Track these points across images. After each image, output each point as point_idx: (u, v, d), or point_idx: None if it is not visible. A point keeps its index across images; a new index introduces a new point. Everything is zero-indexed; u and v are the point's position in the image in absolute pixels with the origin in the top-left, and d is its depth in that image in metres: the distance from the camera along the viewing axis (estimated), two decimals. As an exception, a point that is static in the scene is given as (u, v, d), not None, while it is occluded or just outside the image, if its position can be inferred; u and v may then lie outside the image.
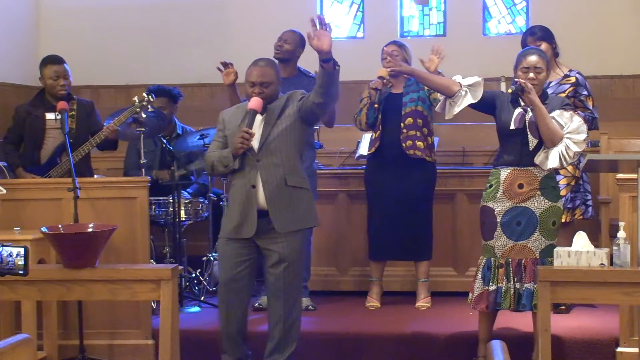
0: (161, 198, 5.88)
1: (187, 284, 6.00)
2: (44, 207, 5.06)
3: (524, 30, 6.40)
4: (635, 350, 4.58)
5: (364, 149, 6.09)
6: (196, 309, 5.65)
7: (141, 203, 5.08)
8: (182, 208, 5.91)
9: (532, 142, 4.45)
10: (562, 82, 5.38)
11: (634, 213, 4.52)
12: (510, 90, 4.51)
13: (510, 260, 4.48)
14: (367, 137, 5.94)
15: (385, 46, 5.58)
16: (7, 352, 2.82)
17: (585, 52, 7.79)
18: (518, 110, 4.50)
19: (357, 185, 5.93)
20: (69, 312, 5.08)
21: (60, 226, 4.43)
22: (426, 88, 5.38)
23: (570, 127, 4.42)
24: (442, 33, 8.72)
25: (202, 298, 5.85)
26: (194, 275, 6.10)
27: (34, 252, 4.49)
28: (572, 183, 5.37)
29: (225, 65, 5.27)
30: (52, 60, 5.57)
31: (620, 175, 4.72)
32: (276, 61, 5.50)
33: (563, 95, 5.19)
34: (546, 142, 4.42)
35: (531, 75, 4.46)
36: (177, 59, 8.58)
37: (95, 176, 5.87)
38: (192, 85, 8.44)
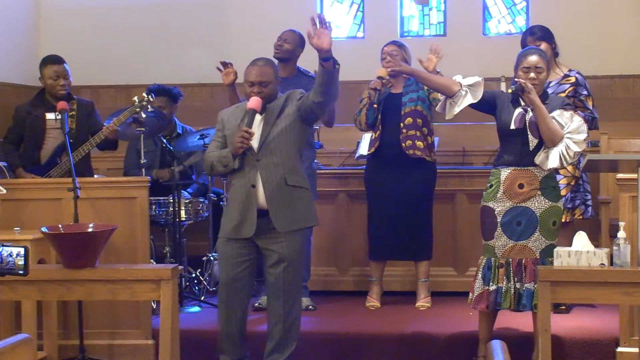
0: (161, 198, 5.88)
1: (187, 284, 6.00)
2: (44, 207, 5.06)
3: (524, 30, 6.39)
4: (635, 350, 4.58)
5: (364, 149, 6.10)
6: (196, 309, 5.65)
7: (141, 203, 5.08)
8: (182, 208, 5.91)
9: (533, 142, 4.45)
10: (561, 82, 5.39)
11: (634, 213, 4.52)
12: (510, 90, 4.51)
13: (511, 260, 4.48)
14: (367, 137, 5.94)
15: (385, 46, 5.59)
16: (7, 352, 2.82)
17: (585, 52, 7.79)
18: (518, 110, 4.50)
19: (357, 185, 5.93)
20: (69, 312, 5.08)
21: (60, 226, 4.43)
22: (425, 88, 5.39)
23: (571, 127, 4.42)
24: (442, 33, 8.71)
25: (202, 298, 5.85)
26: (194, 275, 6.10)
27: (34, 252, 4.49)
28: (572, 183, 5.38)
29: (225, 65, 5.27)
30: (52, 60, 5.57)
31: (620, 175, 4.72)
32: (276, 61, 5.51)
33: (563, 95, 5.19)
34: (546, 142, 4.42)
35: (532, 75, 4.46)
36: (177, 59, 8.57)
37: (95, 176, 5.87)
38: (192, 85, 8.44)
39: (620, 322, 4.73)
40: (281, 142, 4.39)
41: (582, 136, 4.41)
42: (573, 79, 5.40)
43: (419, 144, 5.47)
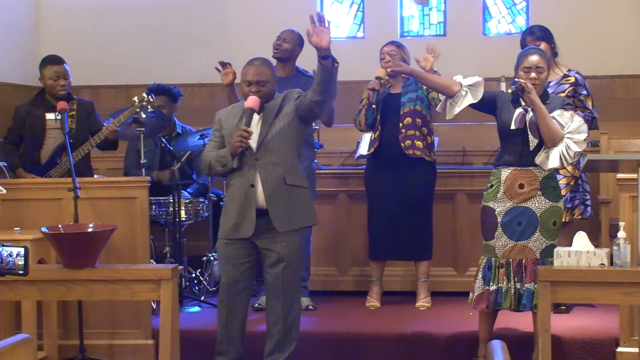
0: (161, 198, 5.88)
1: (187, 284, 6.00)
2: (44, 207, 5.06)
3: (524, 30, 6.39)
4: (635, 350, 4.58)
5: (363, 149, 6.10)
6: (196, 309, 5.65)
7: (141, 203, 5.08)
8: (182, 208, 5.91)
9: (533, 142, 4.45)
10: (561, 81, 5.39)
11: (634, 213, 4.52)
12: (510, 91, 4.50)
13: (511, 260, 4.48)
14: (367, 137, 5.94)
15: (384, 46, 5.59)
16: (7, 352, 2.82)
17: (585, 52, 7.79)
18: (519, 110, 4.50)
19: (357, 185, 5.93)
20: (69, 312, 5.08)
21: (60, 226, 4.43)
22: (424, 87, 5.39)
23: (571, 127, 4.42)
24: (442, 33, 8.71)
25: (202, 298, 5.85)
26: (194, 275, 6.10)
27: (34, 252, 4.49)
28: (572, 183, 5.38)
29: (224, 65, 5.27)
30: (52, 60, 5.57)
31: (620, 175, 4.72)
32: (274, 61, 5.51)
33: (563, 95, 5.20)
34: (547, 142, 4.42)
35: (533, 75, 4.46)
36: (177, 59, 8.57)
37: (95, 176, 5.87)
38: (192, 85, 8.44)
39: (620, 322, 4.73)
40: (280, 142, 4.39)
41: (583, 136, 4.41)
42: (572, 79, 5.40)
43: (419, 143, 5.47)
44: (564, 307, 5.32)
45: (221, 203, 6.11)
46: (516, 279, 4.47)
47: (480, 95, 4.55)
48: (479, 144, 7.27)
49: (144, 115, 5.53)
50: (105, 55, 8.67)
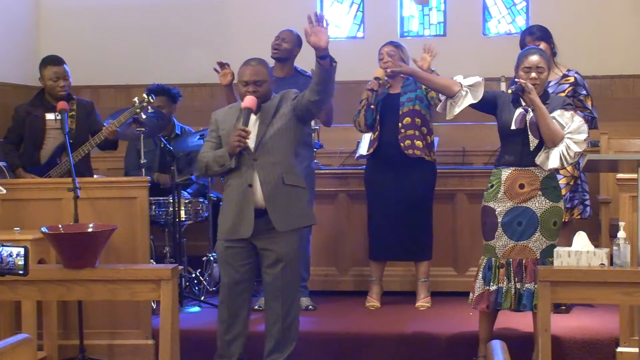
0: (161, 198, 5.88)
1: (187, 284, 6.00)
2: (44, 207, 5.06)
3: (523, 30, 6.39)
4: (635, 350, 4.58)
5: (363, 149, 6.10)
6: (196, 309, 5.65)
7: (141, 203, 5.08)
8: (182, 208, 5.91)
9: (533, 142, 4.45)
10: (561, 81, 5.39)
11: (634, 213, 4.52)
12: (510, 91, 4.50)
13: (511, 260, 4.48)
14: (367, 137, 5.94)
15: (382, 47, 5.59)
16: (7, 352, 2.82)
17: (585, 52, 7.79)
18: (519, 111, 4.50)
19: (357, 185, 5.93)
20: (69, 312, 5.08)
21: (60, 226, 4.43)
22: (423, 87, 5.39)
23: (571, 127, 4.41)
24: (442, 33, 8.71)
25: (202, 298, 5.85)
26: (194, 275, 6.10)
27: (34, 252, 4.49)
28: (571, 183, 5.38)
29: (222, 65, 5.26)
30: (52, 61, 5.56)
31: (620, 175, 4.72)
32: (273, 61, 5.51)
33: (562, 94, 5.20)
34: (547, 142, 4.42)
35: (533, 75, 4.46)
36: (177, 59, 8.57)
37: (95, 176, 5.87)
38: (192, 85, 8.45)
39: (620, 322, 4.73)
40: (278, 142, 4.39)
41: (583, 136, 4.41)
42: (572, 79, 5.40)
43: (418, 143, 5.46)
44: (564, 307, 5.32)
45: (221, 203, 6.11)
46: (516, 279, 4.47)
47: (480, 95, 4.55)
48: (479, 144, 7.27)
49: (144, 116, 5.53)
50: (105, 55, 8.67)
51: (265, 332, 4.49)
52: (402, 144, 5.45)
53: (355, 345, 5.00)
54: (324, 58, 4.21)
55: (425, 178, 5.55)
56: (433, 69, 5.21)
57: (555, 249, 4.22)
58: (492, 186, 4.56)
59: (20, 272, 3.33)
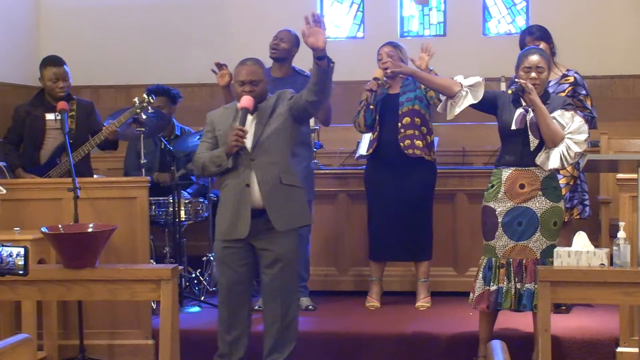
0: (161, 198, 5.88)
1: (187, 284, 6.00)
2: (44, 207, 5.06)
3: (523, 30, 6.40)
4: (635, 350, 4.58)
5: (363, 149, 6.10)
6: (196, 309, 5.65)
7: (141, 203, 5.08)
8: (182, 208, 5.91)
9: (534, 142, 4.45)
10: (560, 81, 5.39)
11: (634, 213, 4.52)
12: (511, 91, 4.50)
13: (511, 260, 4.48)
14: (366, 137, 5.94)
15: (381, 47, 5.59)
16: (7, 352, 2.82)
17: (585, 52, 7.79)
18: (519, 111, 4.49)
19: (357, 185, 5.93)
20: (69, 312, 5.08)
21: (60, 226, 4.43)
22: (423, 87, 5.39)
23: (571, 127, 4.41)
24: (442, 33, 8.71)
25: (202, 298, 5.85)
26: (194, 275, 6.10)
27: (34, 252, 4.49)
28: (571, 183, 5.38)
29: (220, 66, 5.25)
30: (52, 62, 5.56)
31: (620, 175, 4.72)
32: (270, 61, 5.51)
33: (562, 94, 5.20)
34: (547, 142, 4.42)
35: (533, 75, 4.46)
36: (177, 59, 8.57)
37: (95, 176, 5.87)
38: (192, 85, 8.45)
39: (620, 322, 4.73)
40: (275, 142, 4.39)
41: (583, 136, 4.41)
42: (572, 79, 5.40)
43: (418, 143, 5.46)
44: (564, 307, 5.32)
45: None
46: (516, 279, 4.47)
47: (480, 95, 4.55)
48: (479, 144, 7.27)
49: (144, 116, 5.53)
50: (105, 55, 8.67)
51: (264, 332, 4.49)
52: (401, 144, 5.45)
53: (355, 345, 5.00)
54: (322, 59, 4.22)
55: (425, 178, 5.55)
56: (431, 68, 5.22)
57: (555, 249, 4.22)
58: (492, 186, 4.56)
59: (20, 272, 3.33)
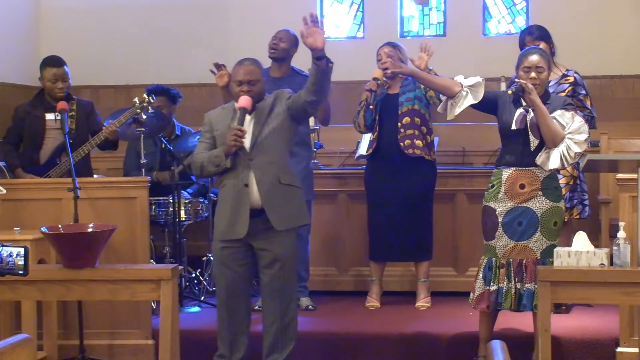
0: (161, 198, 5.87)
1: (187, 284, 6.00)
2: (44, 207, 5.06)
3: (522, 30, 6.40)
4: (635, 350, 4.58)
5: (363, 149, 6.10)
6: (196, 309, 5.65)
7: (141, 203, 5.08)
8: (182, 208, 5.91)
9: (534, 142, 4.45)
10: (560, 81, 5.39)
11: (634, 213, 4.52)
12: (511, 92, 4.49)
13: (512, 260, 4.48)
14: (366, 137, 5.94)
15: (380, 47, 5.59)
16: (7, 352, 2.81)
17: (585, 52, 7.79)
18: (519, 111, 4.49)
19: (357, 185, 5.93)
20: (69, 312, 5.08)
21: (60, 226, 4.43)
22: (422, 86, 5.39)
23: (572, 127, 4.41)
24: (442, 33, 8.71)
25: (202, 298, 5.85)
26: (194, 275, 6.10)
27: (34, 252, 4.49)
28: (571, 183, 5.38)
29: (218, 67, 5.25)
30: (52, 62, 5.56)
31: (620, 175, 4.72)
32: (269, 61, 5.51)
33: (562, 94, 5.20)
34: (547, 142, 4.42)
35: (533, 75, 4.46)
36: (177, 59, 8.58)
37: (95, 176, 5.87)
38: (192, 85, 8.44)
39: (620, 322, 4.73)
40: (273, 141, 4.39)
41: (583, 136, 4.41)
42: (572, 79, 5.40)
43: (418, 142, 5.46)
44: (564, 308, 5.32)
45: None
46: (517, 279, 4.47)
47: (481, 95, 4.55)
48: (479, 144, 7.27)
49: (144, 116, 5.53)
50: (105, 55, 8.67)
51: (263, 332, 4.49)
52: (401, 144, 5.45)
53: (355, 345, 5.00)
54: (321, 59, 4.22)
55: (425, 178, 5.55)
56: (430, 67, 5.22)
57: (555, 249, 4.22)
58: (492, 186, 4.56)
59: (20, 272, 3.33)
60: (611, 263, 4.14)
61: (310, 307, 5.58)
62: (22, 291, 4.25)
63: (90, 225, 4.40)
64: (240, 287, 4.44)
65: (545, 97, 4.50)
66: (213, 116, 4.55)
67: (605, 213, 5.95)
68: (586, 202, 5.49)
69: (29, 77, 7.17)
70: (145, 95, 5.46)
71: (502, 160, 4.57)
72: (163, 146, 6.03)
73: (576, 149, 4.39)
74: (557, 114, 4.44)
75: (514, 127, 4.48)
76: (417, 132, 5.47)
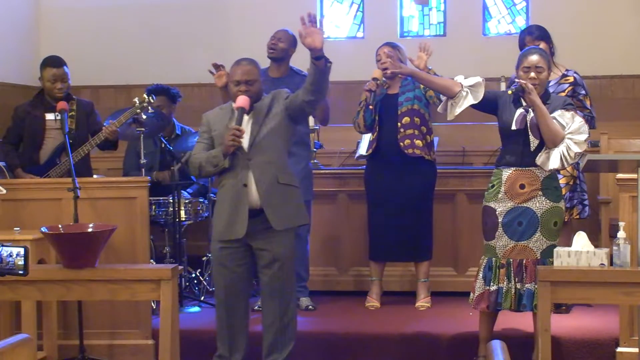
0: (161, 198, 5.87)
1: (187, 284, 6.00)
2: (44, 207, 5.06)
3: (522, 30, 6.40)
4: (635, 350, 4.58)
5: (363, 149, 6.10)
6: (196, 309, 5.65)
7: (141, 203, 5.08)
8: (182, 208, 5.91)
9: (534, 142, 4.45)
10: (560, 81, 5.39)
11: (634, 213, 4.52)
12: (510, 92, 4.50)
13: (512, 260, 4.48)
14: (366, 138, 5.94)
15: (379, 48, 5.59)
16: (7, 352, 2.81)
17: (585, 52, 7.79)
18: (520, 111, 4.49)
19: (357, 185, 5.93)
20: (69, 312, 5.08)
21: (60, 226, 4.43)
22: (422, 86, 5.39)
23: (572, 127, 4.41)
24: (442, 33, 8.71)
25: (202, 298, 5.85)
26: (194, 275, 6.10)
27: (34, 252, 4.49)
28: (571, 183, 5.38)
29: (217, 67, 5.25)
30: (52, 63, 5.55)
31: (620, 175, 4.72)
32: (268, 61, 5.50)
33: (562, 94, 5.20)
34: (547, 142, 4.42)
35: (532, 74, 4.46)
36: (177, 59, 8.58)
37: (95, 176, 5.86)
38: (192, 85, 8.44)
39: (620, 322, 4.73)
40: (271, 141, 4.39)
41: (583, 137, 4.41)
42: (571, 79, 5.40)
43: (418, 142, 5.46)
44: (564, 308, 5.32)
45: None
46: (517, 279, 4.47)
47: (481, 95, 4.55)
48: (479, 144, 7.27)
49: (144, 116, 5.53)
50: (105, 55, 8.67)
51: (262, 332, 4.49)
52: (401, 144, 5.45)
53: (355, 345, 5.00)
54: (319, 59, 4.22)
55: (425, 178, 5.55)
56: (430, 67, 5.22)
57: (555, 249, 4.22)
58: (492, 186, 4.56)
59: (20, 272, 3.33)
60: (611, 263, 4.14)
61: (310, 307, 5.58)
62: (22, 291, 4.25)
63: (90, 225, 4.40)
64: (239, 288, 4.44)
65: (545, 97, 4.50)
66: (211, 116, 4.55)
67: (605, 213, 5.95)
68: (586, 202, 5.49)
69: (29, 77, 7.17)
70: (145, 96, 5.46)
71: (502, 160, 4.57)
72: (163, 146, 6.02)
73: (576, 149, 4.39)
74: (557, 114, 4.44)
75: (514, 127, 4.48)
76: (416, 132, 5.48)
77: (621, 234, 4.12)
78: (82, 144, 5.42)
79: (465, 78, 4.59)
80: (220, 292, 4.47)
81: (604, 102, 7.49)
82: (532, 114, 4.43)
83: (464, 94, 4.55)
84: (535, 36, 5.41)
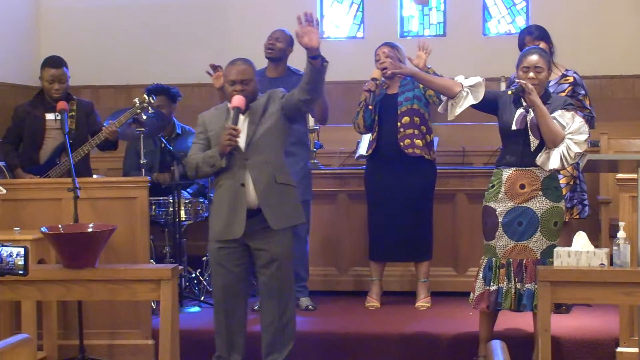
0: (161, 198, 5.87)
1: (187, 284, 6.00)
2: (44, 207, 5.06)
3: (521, 30, 6.40)
4: (635, 350, 4.58)
5: (363, 149, 6.10)
6: (196, 309, 5.65)
7: (141, 203, 5.08)
8: (182, 208, 5.91)
9: (534, 142, 4.45)
10: (560, 81, 5.39)
11: (634, 213, 4.52)
12: (510, 92, 4.49)
13: (512, 260, 4.48)
14: (366, 138, 5.94)
15: (378, 48, 5.59)
16: (7, 352, 2.81)
17: (585, 52, 7.79)
18: (520, 111, 4.49)
19: (357, 185, 5.93)
20: (69, 312, 5.08)
21: (60, 226, 4.43)
22: (421, 86, 5.39)
23: (572, 127, 4.41)
24: (442, 33, 8.71)
25: (202, 298, 5.85)
26: (194, 275, 6.10)
27: (34, 252, 4.49)
28: (571, 183, 5.38)
29: (215, 68, 5.24)
30: (52, 63, 5.55)
31: (620, 175, 4.72)
32: (266, 61, 5.50)
33: (562, 94, 5.20)
34: (547, 142, 4.42)
35: (531, 74, 4.46)
36: (177, 59, 8.58)
37: (95, 176, 5.86)
38: (192, 85, 8.44)
39: (620, 322, 4.73)
40: (268, 141, 4.39)
41: (583, 137, 4.41)
42: (571, 79, 5.40)
43: (418, 142, 5.46)
44: (564, 308, 5.32)
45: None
46: (517, 279, 4.47)
47: (481, 95, 4.55)
48: (479, 144, 7.27)
49: (144, 116, 5.53)
50: (105, 55, 8.68)
51: (261, 332, 4.49)
52: (401, 144, 5.45)
53: (355, 345, 5.00)
54: (316, 58, 4.22)
55: (425, 177, 5.55)
56: (429, 66, 5.22)
57: (555, 249, 4.22)
58: (492, 186, 4.56)
59: (20, 272, 3.32)
60: (611, 263, 4.14)
61: (310, 307, 5.58)
62: (22, 291, 4.25)
63: (90, 225, 4.40)
64: (237, 288, 4.44)
65: (545, 97, 4.50)
66: (207, 117, 4.55)
67: (605, 213, 5.96)
68: (586, 202, 5.49)
69: (29, 77, 7.18)
70: (145, 96, 5.46)
71: (503, 160, 4.57)
72: (163, 146, 6.02)
73: (576, 149, 4.39)
74: (557, 114, 4.44)
75: (514, 127, 4.48)
76: (416, 132, 5.48)
77: (621, 234, 4.12)
78: (82, 144, 5.42)
79: (465, 78, 4.60)
80: (218, 293, 4.47)
81: (604, 102, 7.49)
82: (532, 114, 4.44)
83: (465, 94, 4.55)
84: (535, 36, 5.41)
